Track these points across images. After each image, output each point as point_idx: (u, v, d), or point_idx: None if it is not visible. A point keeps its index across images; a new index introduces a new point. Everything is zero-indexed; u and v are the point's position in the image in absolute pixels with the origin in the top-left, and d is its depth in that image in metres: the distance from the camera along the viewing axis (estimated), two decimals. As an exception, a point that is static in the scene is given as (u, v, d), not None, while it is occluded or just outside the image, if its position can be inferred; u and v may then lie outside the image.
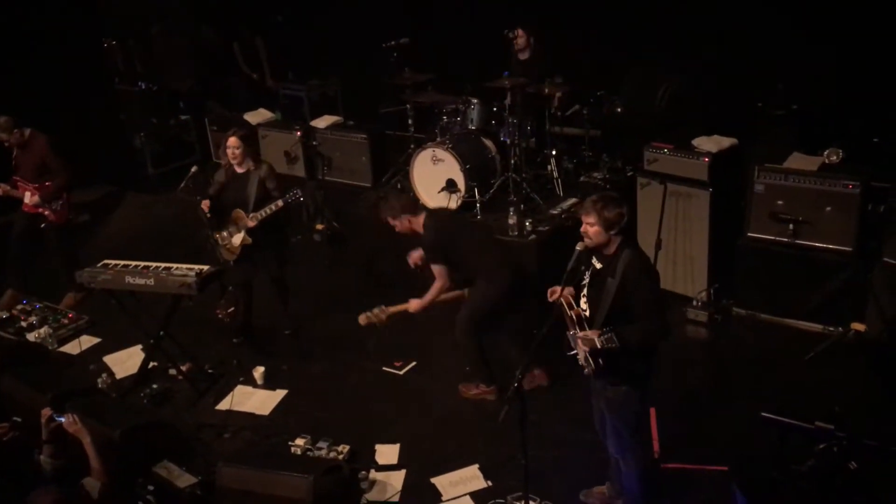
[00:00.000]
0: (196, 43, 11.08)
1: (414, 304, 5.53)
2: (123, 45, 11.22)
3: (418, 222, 5.46)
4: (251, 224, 5.91)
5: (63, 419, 4.33)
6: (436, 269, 5.42)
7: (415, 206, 5.62)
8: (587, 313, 4.05)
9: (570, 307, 4.06)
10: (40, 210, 6.93)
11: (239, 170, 6.05)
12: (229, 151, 5.98)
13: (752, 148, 6.77)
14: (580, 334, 4.00)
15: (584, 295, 4.08)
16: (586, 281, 4.09)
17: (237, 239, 6.02)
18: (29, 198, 6.90)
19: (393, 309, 5.58)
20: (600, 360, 3.99)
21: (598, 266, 4.05)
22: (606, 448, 4.46)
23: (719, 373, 5.89)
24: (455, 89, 8.04)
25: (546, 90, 7.46)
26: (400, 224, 5.48)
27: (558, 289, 4.11)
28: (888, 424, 4.84)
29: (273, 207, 5.86)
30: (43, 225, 7.00)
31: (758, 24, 7.59)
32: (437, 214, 5.76)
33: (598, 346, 3.90)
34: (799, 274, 6.07)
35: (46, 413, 4.39)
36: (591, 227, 3.96)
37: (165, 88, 10.72)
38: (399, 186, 8.03)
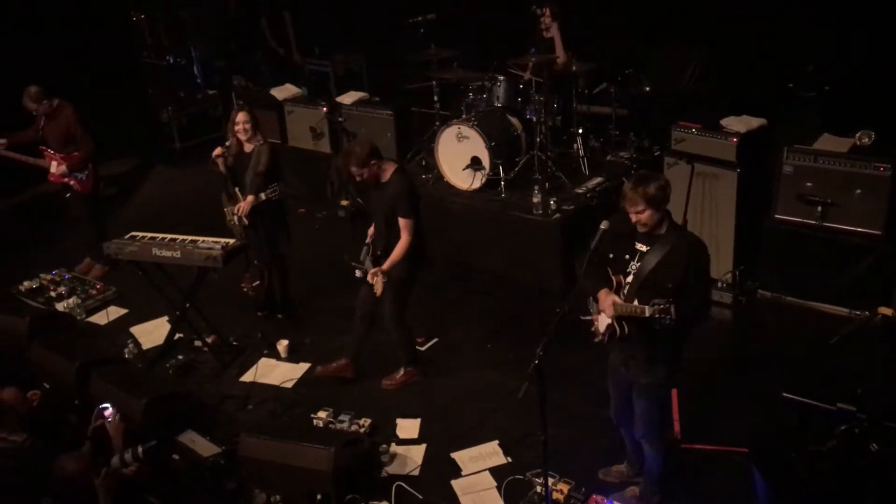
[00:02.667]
0: (223, 17, 11.10)
1: (384, 266, 5.23)
2: (151, 19, 11.28)
3: (386, 169, 5.29)
4: (238, 210, 5.91)
5: (109, 417, 4.45)
6: (405, 222, 5.20)
7: (378, 151, 5.35)
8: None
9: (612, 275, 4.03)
10: (66, 180, 7.02)
11: (247, 148, 6.00)
12: (239, 127, 5.93)
13: (781, 129, 6.68)
14: (615, 301, 3.93)
15: (628, 282, 3.99)
16: (633, 268, 3.97)
17: (243, 220, 6.02)
18: (56, 167, 6.98)
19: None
20: (625, 327, 3.96)
21: (645, 248, 3.96)
22: (622, 431, 4.49)
23: (742, 355, 5.85)
24: (481, 66, 8.00)
25: (574, 68, 7.40)
26: (367, 171, 5.21)
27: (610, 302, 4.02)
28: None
29: (262, 197, 5.82)
30: (68, 195, 7.10)
31: (788, 4, 7.46)
32: (405, 169, 5.52)
33: (647, 315, 3.77)
34: (826, 257, 6.00)
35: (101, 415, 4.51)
36: (642, 215, 3.84)
37: (194, 62, 10.77)
38: (424, 163, 8.02)
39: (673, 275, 3.84)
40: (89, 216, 7.22)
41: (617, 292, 4.01)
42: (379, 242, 5.43)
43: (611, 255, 4.07)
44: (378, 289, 5.21)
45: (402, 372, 5.71)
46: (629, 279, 3.97)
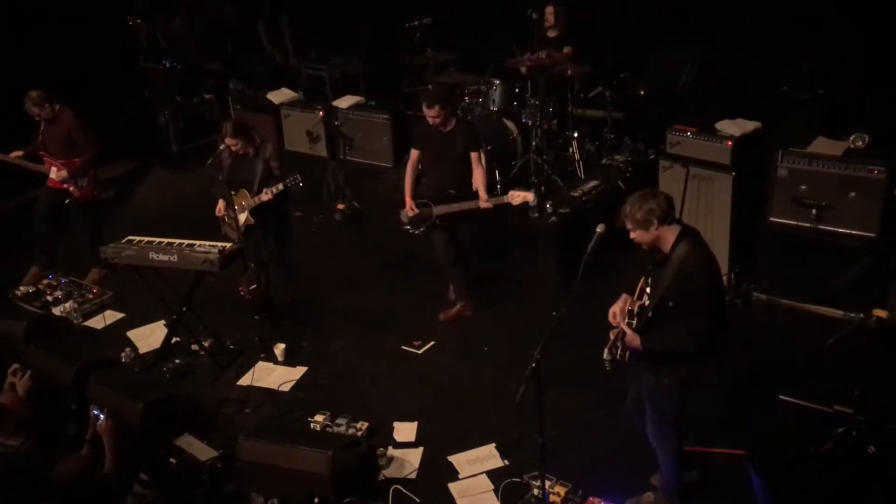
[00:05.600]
0: (220, 21, 11.11)
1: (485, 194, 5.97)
2: (148, 22, 11.28)
3: (452, 120, 5.99)
4: (254, 203, 6.00)
5: (101, 419, 4.44)
6: (478, 155, 5.96)
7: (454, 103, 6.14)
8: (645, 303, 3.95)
9: (639, 295, 4.00)
10: (65, 186, 7.01)
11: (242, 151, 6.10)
12: (233, 149, 6.03)
13: (776, 132, 6.71)
14: (625, 326, 3.92)
15: (647, 291, 3.99)
16: (648, 290, 3.97)
17: (241, 218, 6.07)
18: (55, 173, 6.96)
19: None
20: (626, 355, 3.98)
21: (656, 264, 3.93)
22: (638, 434, 4.42)
23: (738, 357, 5.86)
24: (477, 70, 8.02)
25: (569, 71, 7.42)
26: (442, 115, 5.87)
27: (618, 310, 4.03)
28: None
29: (274, 190, 5.89)
30: (67, 201, 7.08)
31: (783, 7, 7.49)
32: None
33: (641, 348, 3.88)
34: (821, 259, 6.03)
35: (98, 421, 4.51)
36: (633, 234, 3.88)
37: (190, 66, 10.77)
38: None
39: (682, 291, 3.78)
40: (86, 221, 7.20)
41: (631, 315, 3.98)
42: (450, 184, 6.03)
43: (649, 268, 4.03)
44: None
45: (461, 305, 6.29)
46: (645, 300, 3.95)
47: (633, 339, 3.88)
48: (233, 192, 6.07)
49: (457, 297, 6.39)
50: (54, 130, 6.90)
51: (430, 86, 6.96)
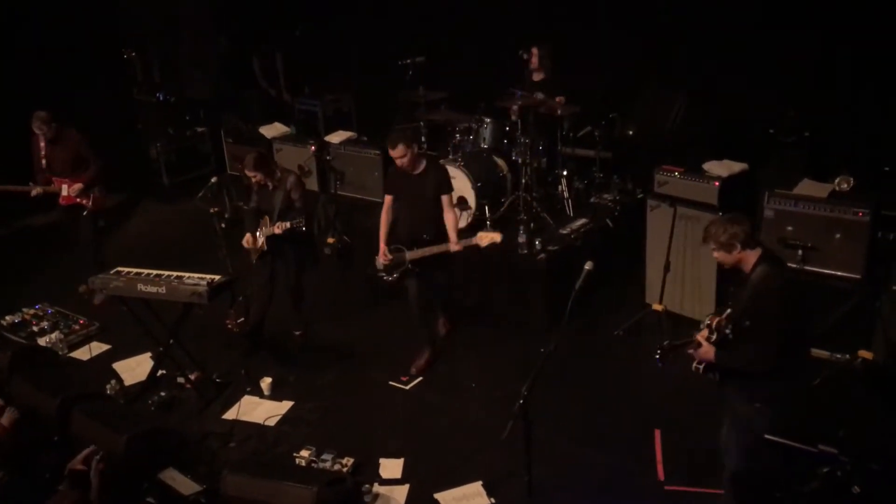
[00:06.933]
0: (214, 55, 11.22)
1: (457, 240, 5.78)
2: (142, 55, 11.38)
3: (421, 160, 5.92)
4: (269, 233, 6.12)
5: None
6: (449, 198, 5.87)
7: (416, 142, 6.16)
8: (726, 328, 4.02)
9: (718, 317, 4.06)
10: (78, 200, 7.05)
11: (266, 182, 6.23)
12: (254, 181, 6.16)
13: (762, 173, 6.79)
14: (702, 339, 4.01)
15: (728, 311, 4.06)
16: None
17: (255, 242, 6.25)
18: (67, 190, 7.03)
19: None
20: (702, 368, 4.05)
21: (738, 285, 4.05)
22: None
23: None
24: (468, 108, 8.11)
25: (558, 111, 7.51)
26: (409, 156, 5.78)
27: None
28: (893, 450, 4.83)
29: (284, 226, 5.96)
30: (85, 213, 7.16)
31: (771, 51, 7.63)
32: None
33: (714, 361, 3.97)
34: (807, 300, 6.07)
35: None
36: (716, 255, 4.04)
37: (184, 99, 10.85)
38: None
39: (745, 317, 3.86)
40: (96, 235, 7.30)
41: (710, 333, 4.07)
42: (423, 228, 5.86)
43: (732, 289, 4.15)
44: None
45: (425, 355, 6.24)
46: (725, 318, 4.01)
47: (708, 350, 3.96)
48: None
49: (422, 345, 6.31)
50: (60, 150, 7.03)
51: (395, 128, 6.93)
